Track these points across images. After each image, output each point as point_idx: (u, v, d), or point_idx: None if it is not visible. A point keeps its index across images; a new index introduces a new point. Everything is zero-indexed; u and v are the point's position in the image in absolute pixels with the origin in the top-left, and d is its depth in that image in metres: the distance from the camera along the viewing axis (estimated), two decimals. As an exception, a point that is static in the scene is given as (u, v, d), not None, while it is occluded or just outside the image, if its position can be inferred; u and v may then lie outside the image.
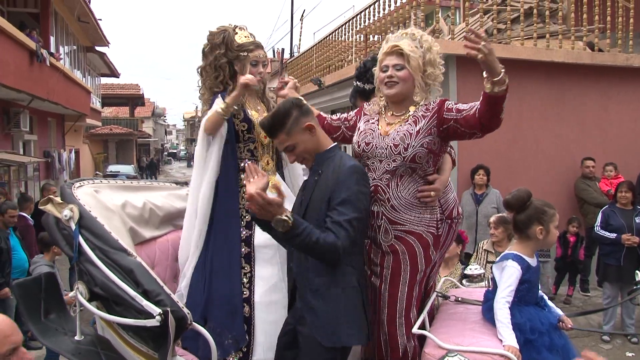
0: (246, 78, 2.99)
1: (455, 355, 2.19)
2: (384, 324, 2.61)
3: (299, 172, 3.30)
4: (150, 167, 35.02)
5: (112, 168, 25.48)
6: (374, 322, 2.63)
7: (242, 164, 3.11)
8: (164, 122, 56.57)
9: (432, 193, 2.61)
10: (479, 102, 2.45)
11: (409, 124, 2.60)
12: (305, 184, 2.63)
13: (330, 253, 2.31)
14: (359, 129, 2.76)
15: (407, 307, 2.60)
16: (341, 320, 2.39)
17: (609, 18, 7.55)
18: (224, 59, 3.13)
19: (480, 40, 2.25)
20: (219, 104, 3.00)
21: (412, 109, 2.65)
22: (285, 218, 2.23)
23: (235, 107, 3.05)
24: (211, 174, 3.05)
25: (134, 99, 35.10)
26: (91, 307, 2.64)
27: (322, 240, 2.28)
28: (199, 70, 3.25)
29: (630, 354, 5.38)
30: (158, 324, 2.26)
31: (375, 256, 2.68)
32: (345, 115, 2.93)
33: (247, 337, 2.91)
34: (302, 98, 2.66)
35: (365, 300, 2.50)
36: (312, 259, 2.42)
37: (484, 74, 2.33)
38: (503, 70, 2.30)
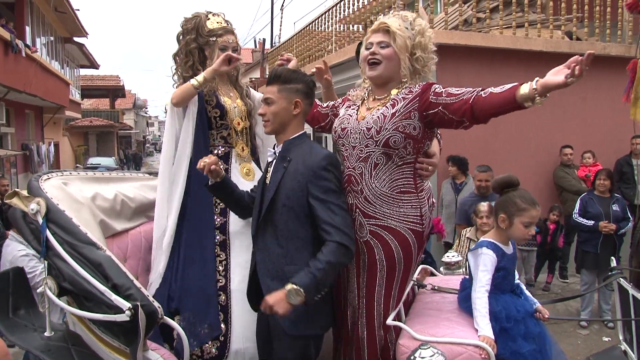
0: (229, 53, 2.99)
1: (429, 347, 2.16)
2: (363, 323, 2.51)
3: None
4: (135, 160, 34.83)
5: (93, 160, 25.25)
6: (355, 319, 2.56)
7: (216, 151, 3.09)
8: (146, 113, 55.92)
9: (430, 167, 2.49)
10: (483, 90, 2.27)
11: (386, 107, 2.45)
12: (272, 167, 2.54)
13: (344, 255, 2.29)
14: (339, 115, 2.68)
15: (386, 308, 2.48)
16: (307, 309, 2.34)
17: (586, 7, 7.58)
18: (194, 44, 3.12)
19: (588, 64, 2.01)
20: (194, 78, 2.98)
21: (394, 91, 2.49)
22: (296, 297, 2.20)
23: (207, 90, 3.05)
24: (186, 154, 3.01)
25: (115, 91, 34.70)
26: (61, 302, 2.59)
27: (327, 264, 2.24)
28: (173, 56, 3.23)
29: (606, 339, 5.45)
30: (128, 318, 2.21)
31: None
32: (333, 102, 2.86)
33: (223, 326, 2.86)
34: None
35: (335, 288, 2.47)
36: (285, 247, 2.39)
37: (534, 84, 2.11)
38: (548, 95, 2.13)
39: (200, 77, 2.95)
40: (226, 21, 3.20)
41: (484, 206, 5.07)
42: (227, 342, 2.86)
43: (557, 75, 2.07)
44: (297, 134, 2.51)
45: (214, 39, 3.09)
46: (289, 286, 2.20)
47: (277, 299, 2.21)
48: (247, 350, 2.84)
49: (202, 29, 3.10)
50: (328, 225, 2.29)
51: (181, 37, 3.17)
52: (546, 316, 2.68)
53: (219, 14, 3.21)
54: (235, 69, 3.21)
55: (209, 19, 3.14)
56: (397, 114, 2.40)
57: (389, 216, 2.42)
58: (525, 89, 2.13)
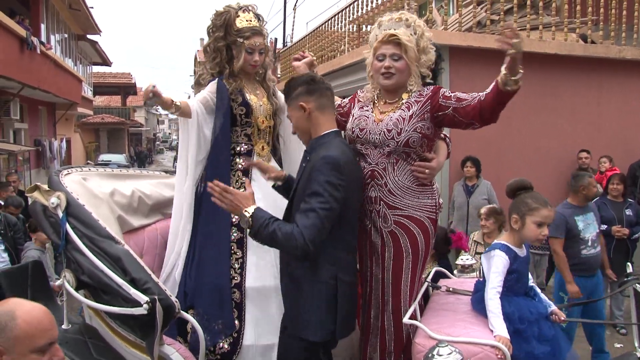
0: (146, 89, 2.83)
1: (446, 345, 2.17)
2: (389, 313, 2.62)
3: (295, 158, 3.16)
4: (139, 157, 34.92)
5: (104, 157, 25.37)
6: (381, 311, 2.64)
7: (239, 148, 3.11)
8: (156, 111, 55.97)
9: (427, 170, 2.61)
10: (482, 94, 2.47)
11: (401, 110, 2.62)
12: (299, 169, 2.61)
13: (288, 241, 2.23)
14: (353, 115, 2.77)
15: (411, 295, 2.63)
16: (301, 312, 2.40)
17: (602, 10, 7.54)
18: (222, 42, 3.09)
19: (514, 37, 2.26)
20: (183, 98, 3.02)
21: (405, 96, 2.66)
22: (245, 213, 2.27)
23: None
24: (191, 161, 3.03)
25: (126, 88, 34.89)
26: (78, 295, 2.62)
27: (278, 230, 2.23)
28: (204, 49, 3.22)
29: (618, 345, 5.41)
30: (145, 312, 2.24)
31: (377, 243, 2.65)
32: (338, 102, 2.91)
33: (236, 323, 2.89)
34: (315, 75, 2.66)
35: (341, 297, 2.40)
36: None
37: (503, 70, 2.33)
38: (522, 71, 2.32)
39: (178, 102, 2.93)
40: (257, 15, 3.14)
41: (484, 208, 5.10)
42: (240, 338, 2.88)
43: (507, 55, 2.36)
44: (324, 132, 2.48)
45: (241, 40, 3.05)
46: (246, 210, 2.28)
47: (240, 199, 2.31)
48: (259, 346, 2.87)
49: (230, 27, 3.06)
50: (299, 216, 2.29)
51: (211, 32, 3.13)
52: (562, 318, 2.69)
53: (250, 9, 3.13)
54: (262, 67, 3.21)
55: (238, 16, 3.07)
56: (414, 117, 2.59)
57: (410, 206, 2.61)
58: (500, 75, 2.38)
